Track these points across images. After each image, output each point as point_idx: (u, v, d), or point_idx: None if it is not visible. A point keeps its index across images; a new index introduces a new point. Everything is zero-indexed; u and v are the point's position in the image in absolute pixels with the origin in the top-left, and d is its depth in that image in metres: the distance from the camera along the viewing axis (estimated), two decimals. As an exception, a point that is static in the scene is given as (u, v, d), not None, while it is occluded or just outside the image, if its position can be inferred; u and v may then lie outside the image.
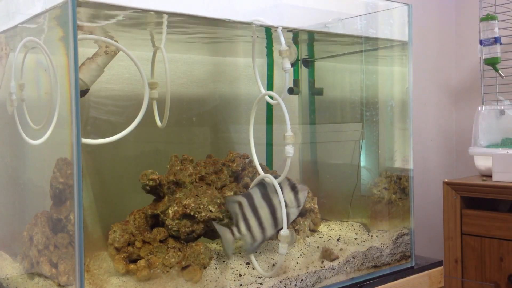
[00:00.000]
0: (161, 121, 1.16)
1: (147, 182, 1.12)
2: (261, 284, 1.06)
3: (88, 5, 0.90)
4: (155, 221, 1.13)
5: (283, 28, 1.11)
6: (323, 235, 1.36)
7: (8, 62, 1.10)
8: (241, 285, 1.05)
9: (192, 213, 1.09)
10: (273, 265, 1.13)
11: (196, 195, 1.11)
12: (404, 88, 1.38)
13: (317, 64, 1.64)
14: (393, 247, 1.32)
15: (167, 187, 1.13)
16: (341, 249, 1.25)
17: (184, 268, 1.06)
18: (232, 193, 1.16)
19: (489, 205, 1.92)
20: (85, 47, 1.11)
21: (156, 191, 1.14)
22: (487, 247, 1.87)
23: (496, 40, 2.06)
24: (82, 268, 0.85)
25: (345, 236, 1.36)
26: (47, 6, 0.91)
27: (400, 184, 1.39)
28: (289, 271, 1.12)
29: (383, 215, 1.40)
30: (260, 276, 1.08)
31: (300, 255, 1.20)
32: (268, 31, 1.19)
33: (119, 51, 1.10)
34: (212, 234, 1.14)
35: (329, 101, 1.65)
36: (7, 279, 1.09)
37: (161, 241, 1.09)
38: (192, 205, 1.09)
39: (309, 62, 1.63)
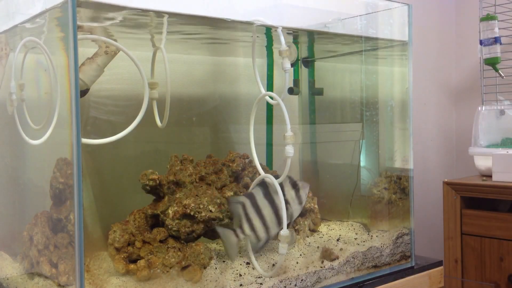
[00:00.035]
0: (161, 121, 1.16)
1: (147, 182, 1.12)
2: (261, 284, 1.06)
3: (88, 5, 0.90)
4: (155, 221, 1.13)
5: (283, 28, 1.11)
6: (323, 235, 1.36)
7: (8, 62, 1.10)
8: (241, 285, 1.05)
9: (192, 213, 1.09)
10: (273, 265, 1.13)
11: (196, 195, 1.11)
12: (404, 88, 1.38)
13: (317, 64, 1.64)
14: (393, 247, 1.32)
15: (167, 187, 1.13)
16: (341, 249, 1.25)
17: (184, 268, 1.06)
18: (232, 193, 1.16)
19: (489, 205, 1.92)
20: (85, 47, 1.11)
21: (156, 191, 1.14)
22: (487, 247, 1.87)
23: (496, 40, 2.06)
24: (82, 268, 0.85)
25: (345, 236, 1.36)
26: (47, 6, 0.91)
27: (400, 184, 1.39)
28: (289, 271, 1.12)
29: (383, 215, 1.40)
30: (260, 276, 1.08)
31: (300, 255, 1.20)
32: (268, 31, 1.19)
33: (119, 51, 1.10)
34: (212, 234, 1.14)
35: (329, 101, 1.65)
36: (7, 279, 1.09)
37: (161, 241, 1.09)
38: (192, 205, 1.09)
39: (309, 62, 1.63)
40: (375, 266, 1.27)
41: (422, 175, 2.31)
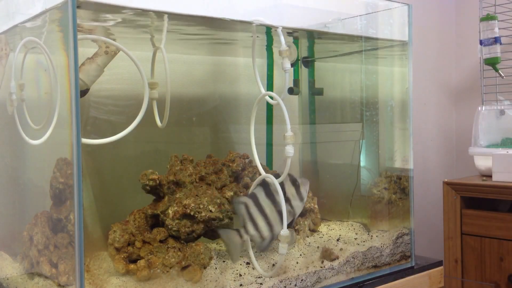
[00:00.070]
0: (161, 121, 1.16)
1: (147, 182, 1.12)
2: (261, 284, 1.06)
3: (88, 5, 0.90)
4: (155, 221, 1.13)
5: (283, 28, 1.11)
6: (323, 235, 1.36)
7: (8, 62, 1.10)
8: (241, 285, 1.05)
9: (192, 213, 1.09)
10: (273, 265, 1.13)
11: (196, 195, 1.11)
12: (404, 88, 1.38)
13: (317, 64, 1.64)
14: (393, 247, 1.32)
15: (167, 187, 1.13)
16: (341, 249, 1.25)
17: (184, 268, 1.06)
18: (232, 193, 1.16)
19: (489, 205, 1.92)
20: (85, 47, 1.11)
21: (156, 191, 1.14)
22: (487, 247, 1.87)
23: (496, 40, 2.06)
24: (82, 268, 0.85)
25: (345, 236, 1.36)
26: (47, 6, 0.91)
27: (400, 184, 1.39)
28: (289, 271, 1.12)
29: (383, 215, 1.40)
30: (260, 276, 1.08)
31: (300, 255, 1.20)
32: (268, 31, 1.19)
33: (119, 51, 1.10)
34: (212, 234, 1.14)
35: (329, 101, 1.65)
36: (7, 279, 1.09)
37: (161, 241, 1.09)
38: (192, 205, 1.09)
39: (309, 62, 1.63)
40: (375, 266, 1.27)
41: (422, 175, 2.31)
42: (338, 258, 1.20)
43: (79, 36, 0.88)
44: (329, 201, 1.49)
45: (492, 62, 2.08)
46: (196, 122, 1.46)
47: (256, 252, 1.14)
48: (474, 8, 2.26)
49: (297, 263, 1.15)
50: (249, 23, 1.11)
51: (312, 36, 1.44)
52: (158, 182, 1.12)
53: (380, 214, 1.41)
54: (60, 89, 0.95)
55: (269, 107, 1.53)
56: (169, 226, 1.09)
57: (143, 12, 0.99)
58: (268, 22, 1.11)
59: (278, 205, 1.07)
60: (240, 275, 1.08)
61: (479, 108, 2.11)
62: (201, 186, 1.15)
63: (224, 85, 1.55)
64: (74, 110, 0.83)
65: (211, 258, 1.10)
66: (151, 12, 0.99)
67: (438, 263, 1.38)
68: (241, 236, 1.05)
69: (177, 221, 1.09)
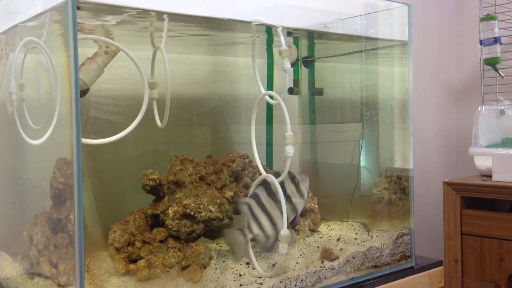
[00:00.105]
0: (161, 121, 1.16)
1: (147, 182, 1.12)
2: (261, 284, 1.06)
3: (88, 5, 0.90)
4: (155, 221, 1.13)
5: (283, 28, 1.11)
6: (323, 235, 1.36)
7: (8, 62, 1.10)
8: (241, 285, 1.05)
9: (192, 213, 1.09)
10: (273, 265, 1.13)
11: (196, 195, 1.11)
12: (404, 88, 1.38)
13: (317, 64, 1.64)
14: (393, 247, 1.32)
15: (167, 187, 1.13)
16: (341, 249, 1.25)
17: (184, 268, 1.06)
18: (232, 193, 1.16)
19: (489, 205, 1.92)
20: (85, 47, 1.11)
21: (156, 191, 1.14)
22: (487, 247, 1.87)
23: (496, 40, 2.06)
24: (82, 268, 0.85)
25: (345, 236, 1.36)
26: (47, 6, 0.91)
27: (400, 184, 1.39)
28: (289, 271, 1.12)
29: (383, 215, 1.40)
30: (260, 276, 1.08)
31: (300, 255, 1.20)
32: (269, 31, 1.19)
33: (119, 51, 1.10)
34: (212, 234, 1.14)
35: (329, 101, 1.65)
36: (7, 279, 1.09)
37: (161, 241, 1.09)
38: (192, 205, 1.09)
39: (309, 62, 1.63)
40: (375, 266, 1.27)
41: (422, 175, 2.31)
42: (338, 258, 1.20)
43: (79, 36, 0.88)
44: (329, 201, 1.49)
45: (492, 62, 2.08)
46: (196, 122, 1.46)
47: (256, 252, 1.14)
48: (474, 8, 2.26)
49: (297, 263, 1.15)
50: (249, 23, 1.11)
51: (312, 36, 1.44)
52: (158, 182, 1.12)
53: (380, 214, 1.41)
54: (60, 89, 0.95)
55: (269, 107, 1.53)
56: (169, 226, 1.09)
57: (143, 12, 0.99)
58: (268, 22, 1.11)
59: (280, 203, 1.07)
60: (240, 275, 1.08)
61: (479, 108, 2.11)
62: (201, 186, 1.15)
63: (224, 85, 1.55)
64: (74, 110, 0.83)
65: (211, 258, 1.10)
66: (151, 12, 0.99)
67: (438, 263, 1.38)
68: (244, 236, 1.06)
69: (177, 221, 1.09)
